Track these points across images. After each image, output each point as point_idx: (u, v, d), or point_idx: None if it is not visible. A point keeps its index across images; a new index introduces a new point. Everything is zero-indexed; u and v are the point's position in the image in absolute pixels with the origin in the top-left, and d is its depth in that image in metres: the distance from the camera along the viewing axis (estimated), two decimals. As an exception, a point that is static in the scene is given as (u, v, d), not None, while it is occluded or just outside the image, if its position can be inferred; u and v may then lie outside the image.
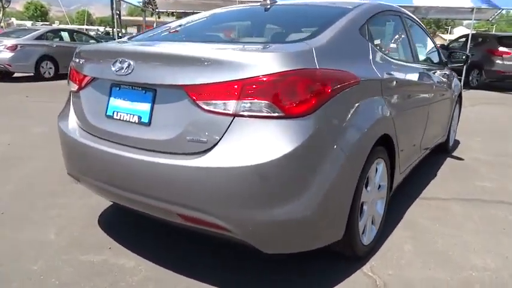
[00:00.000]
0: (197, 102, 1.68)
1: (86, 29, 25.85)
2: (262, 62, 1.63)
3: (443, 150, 4.41)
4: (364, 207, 2.15)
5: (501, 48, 11.37)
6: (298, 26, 2.40)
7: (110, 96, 1.99)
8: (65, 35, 12.37)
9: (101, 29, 47.22)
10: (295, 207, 1.68)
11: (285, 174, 1.63)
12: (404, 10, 3.13)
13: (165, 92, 1.80)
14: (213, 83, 1.65)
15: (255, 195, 1.64)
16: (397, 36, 2.94)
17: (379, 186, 2.34)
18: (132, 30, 34.67)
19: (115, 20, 11.96)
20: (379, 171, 2.27)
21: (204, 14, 2.95)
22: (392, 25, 2.85)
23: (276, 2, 2.69)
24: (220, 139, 1.65)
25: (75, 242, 2.40)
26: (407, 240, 2.53)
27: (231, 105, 1.63)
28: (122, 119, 1.93)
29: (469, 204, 3.14)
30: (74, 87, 2.21)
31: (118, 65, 1.87)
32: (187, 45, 2.00)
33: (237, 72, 1.62)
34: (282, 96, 1.61)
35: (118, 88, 1.96)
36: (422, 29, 3.58)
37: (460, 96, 4.55)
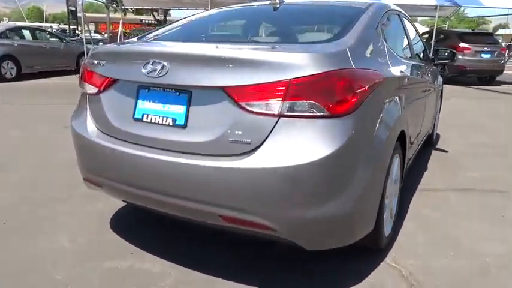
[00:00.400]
0: (240, 103, 1.68)
1: (45, 27, 24.65)
2: (307, 62, 1.66)
3: (428, 143, 4.61)
4: (386, 200, 2.24)
5: (462, 44, 11.98)
6: (320, 25, 2.44)
7: (137, 98, 1.95)
8: (26, 33, 11.79)
9: (55, 26, 45.10)
10: (338, 204, 1.72)
11: (330, 173, 1.67)
12: (400, 9, 3.25)
13: (202, 94, 1.78)
14: (258, 84, 1.66)
15: (301, 194, 1.67)
16: (400, 34, 3.05)
17: (395, 180, 2.43)
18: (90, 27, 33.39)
19: (79, 18, 11.48)
20: (396, 165, 2.36)
21: (214, 12, 2.93)
22: (395, 24, 2.95)
23: (284, 1, 2.71)
24: (265, 139, 1.66)
25: (94, 248, 2.33)
26: (417, 230, 2.64)
27: (277, 106, 1.64)
28: (153, 121, 1.89)
29: (465, 194, 3.32)
30: (91, 89, 2.14)
31: (150, 66, 1.83)
32: (223, 46, 1.98)
33: (282, 73, 1.64)
34: (327, 96, 1.64)
35: (147, 90, 1.92)
36: (414, 26, 3.73)
37: (442, 90, 4.78)
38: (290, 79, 1.63)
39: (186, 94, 1.81)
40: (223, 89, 1.72)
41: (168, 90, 1.87)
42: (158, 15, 20.97)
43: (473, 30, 14.67)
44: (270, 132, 1.66)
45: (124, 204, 2.88)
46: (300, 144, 1.64)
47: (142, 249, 2.33)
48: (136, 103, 1.95)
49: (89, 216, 2.74)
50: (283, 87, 1.63)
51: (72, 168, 3.60)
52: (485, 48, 12.01)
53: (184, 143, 1.81)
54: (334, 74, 1.66)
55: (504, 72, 12.83)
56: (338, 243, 1.88)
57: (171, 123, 1.85)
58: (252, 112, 1.67)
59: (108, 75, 2.05)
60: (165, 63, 1.80)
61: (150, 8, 15.59)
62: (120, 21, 15.08)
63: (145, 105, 1.93)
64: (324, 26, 2.34)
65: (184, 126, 1.81)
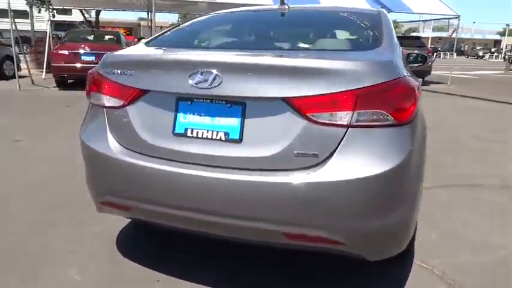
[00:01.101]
0: (307, 114, 1.60)
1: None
2: (375, 71, 1.62)
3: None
4: None
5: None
6: (346, 32, 2.41)
7: (176, 111, 1.77)
8: None
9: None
10: (401, 212, 1.71)
11: (399, 181, 1.65)
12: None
13: (258, 105, 1.67)
14: (326, 93, 1.58)
15: (372, 205, 1.63)
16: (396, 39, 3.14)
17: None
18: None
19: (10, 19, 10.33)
20: None
21: (227, 16, 2.78)
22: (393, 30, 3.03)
23: (289, 6, 2.66)
24: (334, 151, 1.60)
25: (114, 278, 2.09)
26: (425, 229, 2.73)
27: (346, 116, 1.59)
28: (199, 136, 1.73)
29: (453, 190, 3.52)
30: (112, 102, 1.91)
31: (199, 77, 1.67)
32: (277, 55, 1.87)
33: (351, 82, 1.58)
34: (393, 104, 1.62)
35: (189, 102, 1.76)
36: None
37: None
38: (357, 88, 1.58)
39: (239, 106, 1.68)
40: (285, 99, 1.62)
41: (216, 102, 1.72)
42: (90, 16, 19.74)
43: (404, 34, 15.82)
44: (339, 144, 1.60)
45: (124, 224, 2.64)
46: (370, 154, 1.60)
47: (167, 274, 2.13)
48: (176, 117, 1.78)
49: (90, 241, 2.46)
50: (353, 97, 1.58)
51: (45, 188, 3.26)
52: (415, 51, 12.91)
53: (240, 158, 1.68)
54: (398, 83, 1.64)
55: (432, 72, 13.94)
56: (395, 251, 1.85)
57: (223, 138, 1.70)
58: (320, 123, 1.60)
59: (137, 86, 1.83)
60: (218, 73, 1.66)
61: (81, 8, 14.59)
62: (48, 23, 13.88)
63: (189, 119, 1.76)
64: (351, 33, 2.32)
65: (240, 141, 1.68)
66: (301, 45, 2.29)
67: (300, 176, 1.59)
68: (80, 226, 2.64)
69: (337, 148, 1.60)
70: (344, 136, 1.59)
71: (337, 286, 2.10)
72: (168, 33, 2.52)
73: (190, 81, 1.69)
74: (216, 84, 1.65)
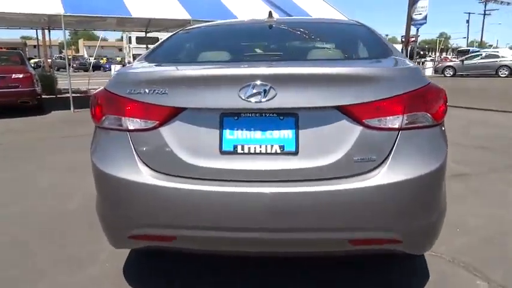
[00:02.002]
0: (362, 121, 1.64)
1: None
2: (416, 76, 1.74)
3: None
4: None
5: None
6: (347, 43, 2.49)
7: (222, 128, 1.68)
8: None
9: None
10: (441, 206, 1.83)
11: (443, 176, 1.77)
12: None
13: (311, 116, 1.66)
14: (379, 99, 1.64)
15: (427, 202, 1.72)
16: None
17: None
18: None
19: None
20: None
21: (231, 27, 2.73)
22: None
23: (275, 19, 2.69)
24: (390, 154, 1.66)
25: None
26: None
27: (398, 120, 1.66)
28: (252, 152, 1.66)
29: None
30: (139, 124, 1.74)
31: (251, 90, 1.61)
32: (329, 64, 1.86)
33: (398, 88, 1.66)
34: (432, 106, 1.73)
35: (236, 117, 1.68)
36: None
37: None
38: (407, 92, 1.67)
39: (292, 117, 1.66)
40: (339, 108, 1.65)
41: (267, 115, 1.67)
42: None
43: None
44: (393, 146, 1.66)
45: (121, 260, 2.40)
46: (421, 153, 1.69)
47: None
48: (222, 133, 1.68)
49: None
50: (403, 101, 1.66)
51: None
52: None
53: (299, 170, 1.65)
54: (431, 86, 1.77)
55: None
56: (432, 246, 1.96)
57: (278, 151, 1.66)
58: (375, 128, 1.65)
59: (172, 104, 1.69)
60: (272, 86, 1.62)
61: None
62: None
63: (237, 135, 1.68)
64: (360, 42, 2.41)
65: (296, 153, 1.65)
66: (326, 54, 2.34)
67: (362, 181, 1.62)
68: (72, 270, 2.32)
69: (391, 151, 1.66)
70: (397, 139, 1.67)
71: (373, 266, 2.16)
72: (168, 47, 2.37)
73: (240, 95, 1.62)
74: (271, 97, 1.61)
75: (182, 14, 10.38)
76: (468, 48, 40.49)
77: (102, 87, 1.92)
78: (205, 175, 1.68)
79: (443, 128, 1.82)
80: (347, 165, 1.64)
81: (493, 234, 2.75)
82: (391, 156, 1.66)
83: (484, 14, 55.07)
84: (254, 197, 1.63)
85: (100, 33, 16.11)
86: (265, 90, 1.61)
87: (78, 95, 12.90)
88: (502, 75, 21.91)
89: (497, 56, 23.29)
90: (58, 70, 17.64)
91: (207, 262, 2.36)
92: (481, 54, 24.57)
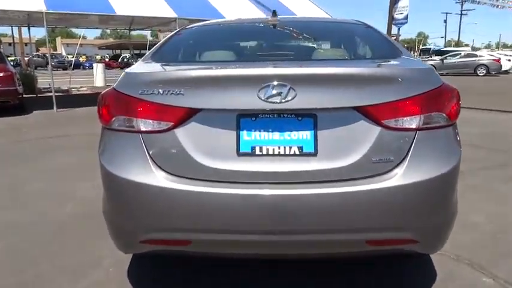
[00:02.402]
0: (381, 121, 1.64)
1: None
2: (431, 77, 1.74)
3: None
4: None
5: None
6: (366, 41, 2.47)
7: (239, 129, 1.65)
8: None
9: None
10: (455, 205, 1.85)
11: (457, 175, 1.78)
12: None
13: (330, 116, 1.65)
14: (397, 100, 1.64)
15: (444, 201, 1.74)
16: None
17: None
18: None
19: None
20: None
21: (236, 26, 2.67)
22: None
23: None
24: (407, 154, 1.66)
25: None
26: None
27: (415, 120, 1.66)
28: (271, 153, 1.64)
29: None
30: (151, 125, 1.69)
31: (271, 91, 1.59)
32: (345, 65, 1.86)
33: (416, 88, 1.67)
34: (447, 106, 1.75)
35: (253, 118, 1.65)
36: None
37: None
38: (424, 93, 1.67)
39: (311, 118, 1.64)
40: (357, 108, 1.64)
41: (285, 116, 1.65)
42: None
43: None
44: (411, 147, 1.67)
45: (124, 263, 2.34)
46: (438, 153, 1.70)
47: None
48: (239, 135, 1.65)
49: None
50: (420, 101, 1.66)
51: None
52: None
53: (318, 171, 1.63)
54: (446, 86, 1.78)
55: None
56: (443, 245, 1.97)
57: (297, 152, 1.64)
58: (393, 129, 1.65)
59: (188, 105, 1.65)
60: (292, 86, 1.59)
61: None
62: None
63: (254, 136, 1.65)
64: (370, 42, 2.40)
65: (315, 153, 1.64)
66: (339, 54, 2.32)
67: (381, 182, 1.62)
68: (74, 277, 2.25)
69: (409, 151, 1.66)
70: (414, 139, 1.67)
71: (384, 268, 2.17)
72: (174, 46, 2.32)
73: (259, 96, 1.59)
74: (291, 97, 1.59)
75: (167, 12, 10.23)
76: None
77: (111, 87, 1.85)
78: (223, 177, 1.65)
79: (456, 128, 1.84)
80: (366, 166, 1.64)
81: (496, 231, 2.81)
82: (408, 157, 1.66)
83: (461, 14, 56.41)
84: (273, 199, 1.61)
85: (81, 31, 15.75)
86: (285, 91, 1.59)
87: (60, 94, 12.62)
88: (480, 74, 22.49)
89: (476, 56, 23.90)
90: (36, 69, 17.15)
91: (211, 265, 2.33)
92: (460, 53, 25.18)
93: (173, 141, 1.67)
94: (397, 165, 1.65)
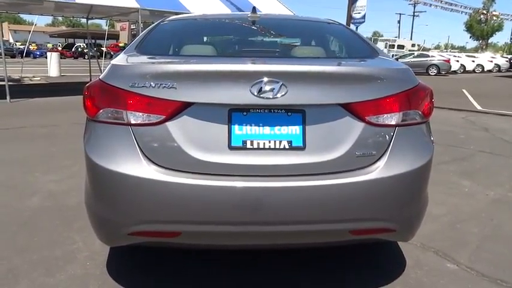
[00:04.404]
0: (365, 118, 1.73)
1: None
2: (410, 76, 1.86)
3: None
4: None
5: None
6: (330, 41, 2.57)
7: (230, 123, 1.69)
8: None
9: None
10: (427, 195, 1.99)
11: (430, 168, 1.92)
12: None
13: (317, 112, 1.72)
14: (380, 97, 1.74)
15: (420, 192, 1.87)
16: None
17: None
18: None
19: None
20: None
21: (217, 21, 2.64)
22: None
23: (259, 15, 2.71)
24: (387, 149, 1.77)
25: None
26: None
27: (395, 117, 1.78)
28: (261, 147, 1.69)
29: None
30: (142, 118, 1.69)
31: (263, 86, 1.63)
32: (333, 63, 1.93)
33: (396, 86, 1.78)
34: (422, 103, 1.87)
35: (245, 113, 1.69)
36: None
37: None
38: (403, 91, 1.79)
39: (299, 114, 1.71)
40: (343, 105, 1.73)
41: (275, 111, 1.71)
42: None
43: None
44: (391, 142, 1.78)
45: (103, 257, 2.32)
46: (415, 147, 1.83)
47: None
48: (231, 129, 1.69)
49: None
50: (400, 99, 1.78)
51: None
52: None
53: (306, 164, 1.71)
54: (421, 85, 1.91)
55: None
56: (415, 234, 2.10)
57: (286, 146, 1.70)
58: (375, 125, 1.75)
59: (180, 99, 1.66)
60: (284, 83, 1.65)
61: None
62: None
63: (246, 130, 1.69)
64: (347, 41, 2.49)
65: (303, 148, 1.71)
66: (322, 53, 2.39)
67: (365, 175, 1.72)
68: (50, 271, 2.20)
69: (389, 146, 1.78)
70: (394, 134, 1.79)
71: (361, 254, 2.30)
72: (160, 38, 2.30)
73: (252, 91, 1.64)
74: (282, 93, 1.65)
75: (129, 2, 9.94)
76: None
77: (97, 79, 1.83)
78: (214, 170, 1.68)
79: (429, 125, 1.98)
80: (350, 159, 1.73)
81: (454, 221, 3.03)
82: (389, 151, 1.77)
83: (413, 16, 58.92)
84: (262, 192, 1.67)
85: (34, 18, 14.87)
86: (277, 87, 1.64)
87: (11, 83, 11.90)
88: (431, 74, 23.68)
89: (428, 56, 25.11)
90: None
91: (194, 256, 2.36)
92: (414, 53, 26.37)
93: (164, 134, 1.68)
94: (379, 159, 1.76)
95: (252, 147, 1.69)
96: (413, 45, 41.11)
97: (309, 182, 1.69)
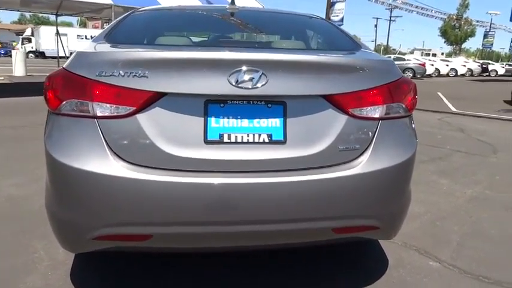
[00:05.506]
0: (348, 110, 1.66)
1: None
2: (393, 68, 1.80)
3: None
4: None
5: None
6: (309, 34, 2.49)
7: (207, 115, 1.58)
8: None
9: None
10: (410, 192, 1.93)
11: (414, 162, 1.86)
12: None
13: (299, 104, 1.64)
14: (363, 90, 1.68)
15: (403, 188, 1.81)
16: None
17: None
18: None
19: None
20: None
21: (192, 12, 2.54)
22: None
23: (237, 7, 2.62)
24: (371, 143, 1.70)
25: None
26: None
27: (379, 110, 1.71)
28: (240, 141, 1.59)
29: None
30: (110, 110, 1.56)
31: (242, 76, 1.53)
32: (316, 53, 1.86)
33: (380, 79, 1.72)
34: (406, 97, 1.82)
35: (222, 105, 1.59)
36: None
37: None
38: (387, 83, 1.73)
39: (280, 105, 1.62)
40: (326, 97, 1.65)
41: (255, 103, 1.61)
42: None
43: None
44: (374, 136, 1.71)
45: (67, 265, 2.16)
46: (398, 142, 1.77)
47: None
48: (207, 121, 1.58)
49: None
50: (383, 92, 1.72)
51: None
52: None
53: (287, 159, 1.61)
54: (405, 78, 1.85)
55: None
56: (398, 232, 2.04)
57: (266, 140, 1.61)
58: (358, 117, 1.68)
59: (152, 89, 1.54)
60: (264, 72, 1.55)
61: None
62: None
63: (223, 123, 1.59)
64: (327, 35, 2.42)
65: (284, 142, 1.62)
66: (307, 44, 2.30)
67: (348, 170, 1.65)
68: (7, 284, 2.03)
69: (373, 139, 1.71)
70: (377, 128, 1.72)
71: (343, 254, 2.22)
72: (131, 27, 2.16)
73: (230, 81, 1.54)
74: (262, 83, 1.55)
75: (103, -2, 9.70)
76: None
77: (60, 68, 1.69)
78: (188, 166, 1.57)
79: (413, 119, 1.92)
80: (333, 154, 1.65)
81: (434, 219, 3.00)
82: (372, 145, 1.71)
83: (390, 20, 60.04)
84: (241, 189, 1.57)
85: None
86: (257, 77, 1.55)
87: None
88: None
89: (404, 59, 25.58)
90: None
91: (161, 259, 2.23)
92: (390, 57, 26.82)
93: (134, 127, 1.56)
94: (362, 153, 1.69)
95: (229, 141, 1.59)
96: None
97: (290, 178, 1.60)
